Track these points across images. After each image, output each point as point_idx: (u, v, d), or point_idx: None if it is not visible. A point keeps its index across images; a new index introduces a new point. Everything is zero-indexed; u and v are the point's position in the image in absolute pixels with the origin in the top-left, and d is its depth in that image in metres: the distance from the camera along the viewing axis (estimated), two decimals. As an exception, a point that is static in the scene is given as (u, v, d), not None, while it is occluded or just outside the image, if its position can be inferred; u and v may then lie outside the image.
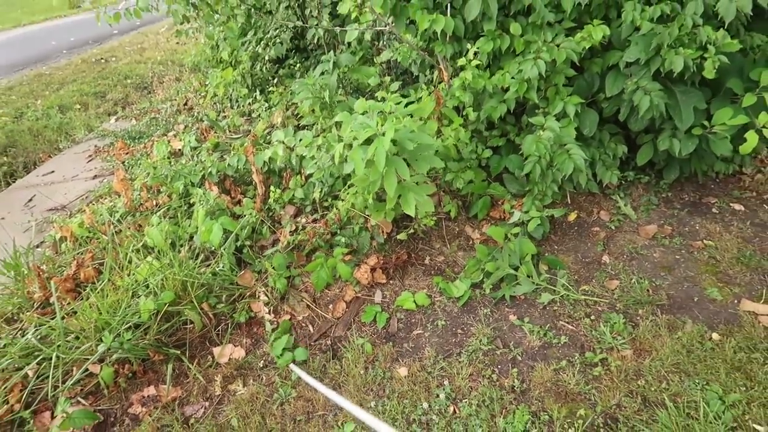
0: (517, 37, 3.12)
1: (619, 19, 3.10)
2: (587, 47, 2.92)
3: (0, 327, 2.90)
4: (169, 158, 4.67)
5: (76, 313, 2.78)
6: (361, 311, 2.93)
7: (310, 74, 4.38)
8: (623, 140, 3.48)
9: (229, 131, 4.93)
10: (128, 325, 2.64)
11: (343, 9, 3.00)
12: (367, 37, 3.35)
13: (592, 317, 2.76)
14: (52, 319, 2.87)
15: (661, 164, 3.55)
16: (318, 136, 3.36)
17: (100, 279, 3.12)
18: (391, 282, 3.11)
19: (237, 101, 5.57)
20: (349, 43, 4.37)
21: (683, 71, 2.80)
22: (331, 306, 2.98)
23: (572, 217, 3.38)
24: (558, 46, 2.94)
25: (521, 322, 2.77)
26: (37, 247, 3.96)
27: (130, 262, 3.11)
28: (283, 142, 3.15)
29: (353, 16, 2.97)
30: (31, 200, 4.82)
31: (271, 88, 4.66)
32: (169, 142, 4.91)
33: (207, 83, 6.09)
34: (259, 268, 3.16)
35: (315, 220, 3.48)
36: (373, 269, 3.06)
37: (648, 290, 2.88)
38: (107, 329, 2.60)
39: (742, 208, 3.45)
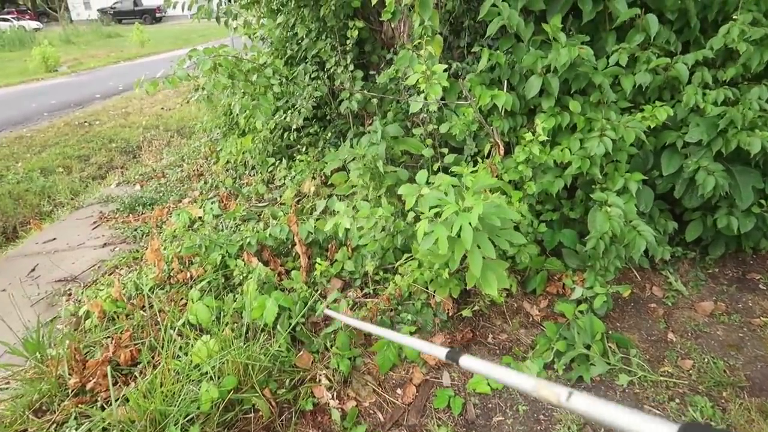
0: (577, 114, 3.17)
1: (673, 99, 3.21)
2: (651, 126, 2.98)
3: (28, 420, 2.56)
4: (190, 227, 4.47)
5: (122, 402, 2.49)
6: (432, 395, 2.74)
7: (344, 144, 4.35)
8: (671, 216, 3.51)
9: (254, 199, 4.79)
10: (189, 416, 2.36)
11: (411, 81, 2.99)
12: (433, 108, 3.35)
13: (677, 400, 2.65)
14: (92, 407, 2.56)
15: (707, 240, 3.57)
16: (373, 207, 3.26)
17: (140, 360, 2.84)
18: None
19: (253, 168, 5.46)
20: (385, 114, 4.39)
21: (743, 152, 2.88)
22: (399, 390, 2.77)
23: (627, 292, 3.32)
24: (624, 125, 2.98)
25: (605, 407, 2.62)
26: (50, 321, 3.62)
27: (170, 341, 2.85)
28: (348, 215, 3.03)
29: (422, 87, 2.96)
30: (34, 270, 4.48)
31: (300, 157, 4.58)
32: (186, 209, 4.72)
33: (219, 149, 5.98)
34: (316, 347, 2.95)
35: (366, 295, 3.32)
36: (439, 349, 2.89)
37: (725, 371, 2.81)
38: (165, 421, 2.32)
39: (787, 284, 3.48)
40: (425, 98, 3.04)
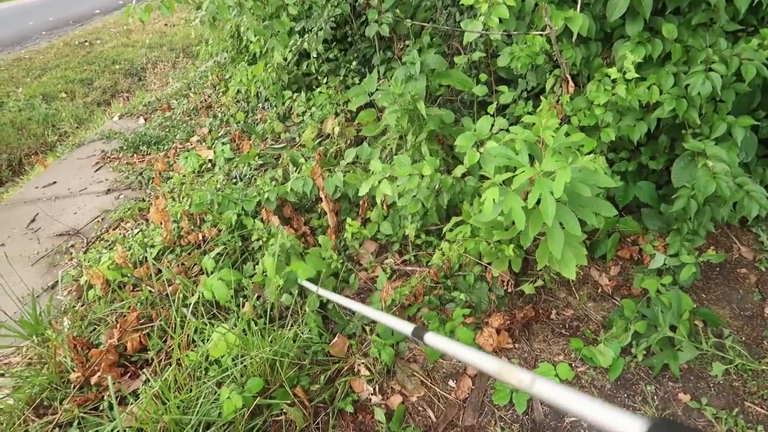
0: (672, 42, 2.51)
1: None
2: (770, 57, 2.32)
3: (27, 420, 2.23)
4: (199, 173, 3.98)
5: (130, 407, 2.12)
6: (491, 389, 2.34)
7: (371, 75, 3.72)
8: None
9: (269, 139, 4.23)
10: (208, 428, 1.99)
11: (467, 0, 2.33)
12: (496, 38, 2.69)
13: (785, 397, 2.22)
14: (97, 408, 2.21)
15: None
16: (414, 161, 2.72)
17: (151, 348, 2.46)
18: (517, 346, 2.51)
19: (267, 100, 4.85)
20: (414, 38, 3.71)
21: None
22: (451, 382, 2.37)
23: (718, 259, 2.81)
24: (738, 56, 2.32)
25: (699, 405, 2.21)
26: (51, 287, 3.25)
27: (184, 323, 2.45)
28: (386, 172, 2.50)
29: (482, 9, 2.30)
30: (34, 220, 4.07)
31: (320, 89, 3.96)
32: (195, 150, 4.20)
33: (228, 77, 5.33)
34: (352, 329, 2.53)
35: (406, 262, 2.85)
36: (497, 331, 2.46)
37: (841, 357, 2.35)
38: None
39: None
40: (484, 24, 2.38)
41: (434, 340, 1.39)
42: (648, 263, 2.72)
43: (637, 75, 2.35)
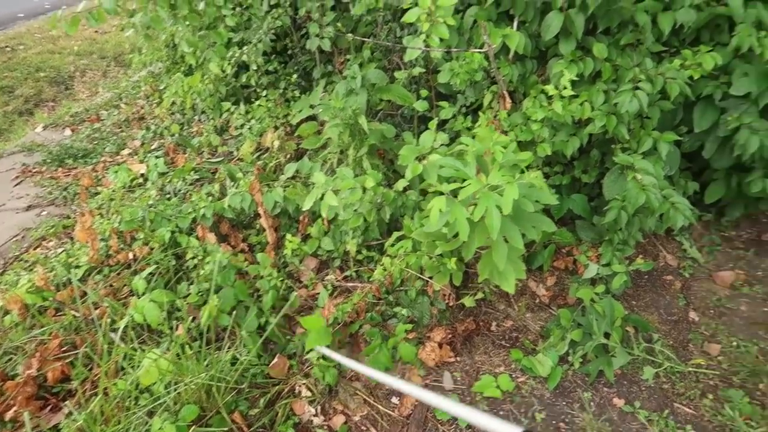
0: (602, 61, 2.62)
1: (712, 41, 2.69)
2: (692, 77, 2.46)
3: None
4: (130, 188, 3.80)
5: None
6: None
7: (315, 89, 3.68)
8: (691, 176, 3.09)
9: (206, 152, 4.10)
10: (138, 460, 1.87)
11: (409, 18, 2.34)
12: (437, 55, 2.70)
13: (710, 396, 2.34)
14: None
15: (725, 202, 3.19)
16: (356, 173, 2.70)
17: (74, 377, 2.29)
18: (459, 359, 2.52)
19: (204, 113, 4.70)
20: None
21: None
22: (394, 399, 2.35)
23: (646, 268, 2.94)
24: (663, 75, 2.45)
25: (632, 408, 2.30)
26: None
27: (112, 349, 2.30)
28: (330, 185, 2.45)
29: (423, 28, 2.31)
30: (-57, 241, 3.74)
31: (259, 102, 3.88)
32: (126, 164, 4.00)
33: (163, 88, 5.13)
34: (293, 350, 2.46)
35: (348, 278, 2.82)
36: (439, 345, 2.46)
37: (757, 356, 2.51)
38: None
39: (804, 247, 3.18)
40: (425, 41, 2.39)
41: None
42: (582, 273, 2.81)
43: (572, 92, 2.44)
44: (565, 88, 2.40)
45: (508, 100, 2.74)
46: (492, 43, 2.44)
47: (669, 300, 2.85)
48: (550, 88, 2.46)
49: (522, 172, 2.06)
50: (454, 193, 2.00)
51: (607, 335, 2.50)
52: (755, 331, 2.64)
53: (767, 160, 2.72)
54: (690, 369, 2.45)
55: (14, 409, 2.13)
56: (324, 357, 2.28)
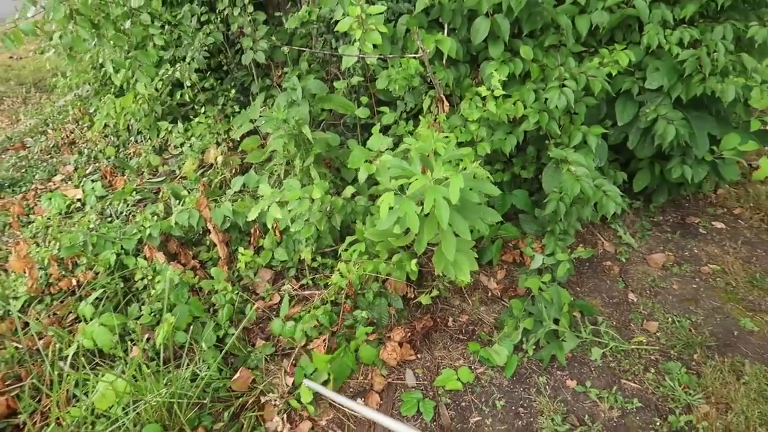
0: (529, 62, 2.79)
1: (625, 41, 2.92)
2: (611, 73, 2.67)
3: None
4: (66, 213, 3.64)
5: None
6: (398, 401, 2.37)
7: (254, 103, 3.68)
8: (619, 167, 3.32)
9: (146, 173, 3.99)
10: (100, 488, 1.80)
11: (342, 27, 2.41)
12: (372, 62, 2.78)
13: (652, 370, 2.51)
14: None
15: (651, 189, 3.44)
16: (303, 184, 2.73)
17: (22, 410, 2.18)
18: (419, 356, 2.58)
19: (140, 133, 4.58)
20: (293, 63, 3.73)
21: (702, 99, 2.67)
22: (359, 400, 2.37)
23: (588, 256, 3.11)
24: (585, 73, 2.64)
25: (584, 388, 2.43)
26: None
27: (62, 378, 2.20)
28: (276, 197, 2.46)
29: (356, 36, 2.40)
30: None
31: (198, 119, 3.83)
32: (60, 191, 3.84)
33: (93, 111, 4.95)
34: (254, 362, 2.44)
35: (303, 286, 2.83)
36: (400, 344, 2.51)
37: (690, 329, 2.71)
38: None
39: (723, 226, 3.47)
40: (359, 49, 2.47)
41: None
42: (529, 264, 2.95)
43: (503, 92, 2.58)
44: (496, 88, 2.54)
45: (445, 103, 2.85)
46: (426, 48, 2.55)
47: (609, 284, 3.04)
48: (483, 90, 2.59)
49: (464, 167, 2.15)
50: (402, 190, 2.07)
51: (556, 321, 2.64)
52: (687, 307, 2.86)
53: (684, 148, 2.97)
54: (633, 347, 2.62)
55: (-44, 451, 2.00)
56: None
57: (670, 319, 2.78)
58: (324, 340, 2.42)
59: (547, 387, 2.45)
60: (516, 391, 2.44)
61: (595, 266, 3.16)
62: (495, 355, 2.54)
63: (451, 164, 2.12)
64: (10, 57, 11.26)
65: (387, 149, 2.59)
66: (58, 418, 1.96)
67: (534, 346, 2.61)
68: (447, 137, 2.22)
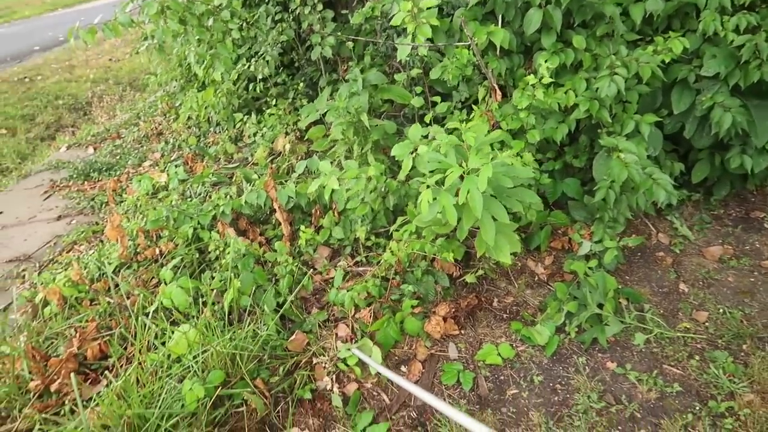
0: (582, 51, 2.85)
1: (682, 29, 2.91)
2: (664, 61, 2.68)
3: (-12, 431, 2.25)
4: (153, 194, 4.06)
5: (93, 405, 2.19)
6: (439, 371, 2.52)
7: (321, 95, 3.94)
8: (677, 157, 3.28)
9: (222, 160, 4.37)
10: (171, 419, 2.09)
11: (395, 21, 2.60)
12: (423, 52, 2.95)
13: (697, 357, 2.50)
14: (59, 414, 2.26)
15: (712, 181, 3.37)
16: (361, 165, 2.93)
17: (110, 354, 2.53)
18: (463, 332, 2.72)
19: (219, 124, 4.99)
20: (360, 58, 3.96)
21: (761, 85, 2.62)
22: (403, 367, 2.55)
23: (637, 244, 3.12)
24: (636, 60, 2.67)
25: (624, 370, 2.47)
26: (3, 310, 3.25)
27: (144, 330, 2.53)
28: (335, 175, 2.69)
29: (409, 30, 2.58)
30: (-19, 250, 4.03)
31: (270, 111, 4.15)
32: (148, 174, 4.28)
33: (178, 105, 5.44)
34: (308, 326, 2.68)
35: (358, 263, 3.03)
36: (444, 319, 2.66)
37: (742, 320, 2.67)
38: (146, 426, 2.05)
39: (791, 222, 3.34)
40: (413, 40, 2.65)
41: None
42: (577, 251, 3.00)
43: (552, 80, 2.66)
44: (543, 77, 2.62)
45: (498, 92, 2.97)
46: (473, 36, 2.68)
47: (660, 274, 3.03)
48: (531, 78, 2.69)
49: (498, 153, 2.27)
50: (440, 183, 2.22)
51: (600, 306, 2.69)
52: (741, 299, 2.80)
53: (744, 137, 2.92)
54: (678, 334, 2.62)
55: (58, 381, 2.36)
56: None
57: (721, 310, 2.75)
58: (370, 310, 2.61)
59: (587, 367, 2.51)
60: (555, 370, 2.52)
61: (647, 256, 3.16)
62: (537, 335, 2.64)
63: (487, 153, 2.24)
64: (110, 59, 12.34)
65: (423, 137, 2.73)
66: (140, 362, 2.27)
67: (576, 329, 2.67)
68: (489, 130, 2.34)
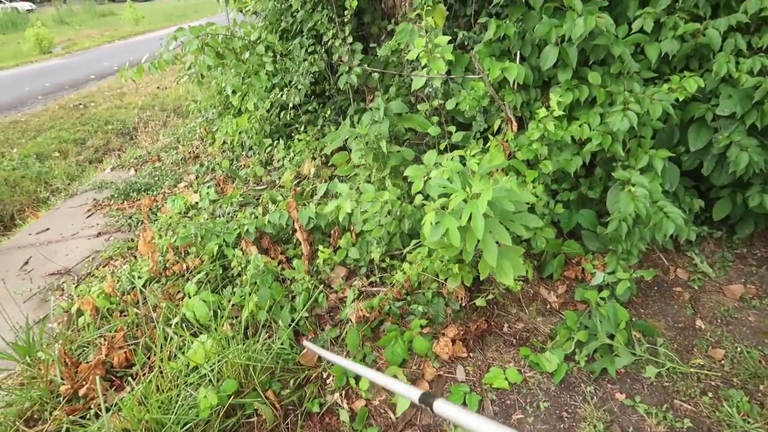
0: (597, 87, 2.93)
1: (701, 68, 2.96)
2: (678, 99, 2.73)
3: (19, 431, 2.40)
4: (185, 213, 4.27)
5: (115, 410, 2.32)
6: (446, 392, 2.56)
7: (344, 123, 4.11)
8: (697, 194, 3.28)
9: (251, 182, 4.57)
10: (186, 426, 2.19)
11: (411, 56, 2.76)
12: (437, 84, 3.09)
13: (710, 394, 2.46)
14: (85, 417, 2.40)
15: (735, 219, 3.34)
16: (378, 189, 3.05)
17: (135, 362, 2.67)
18: (471, 355, 2.76)
19: (251, 149, 5.23)
20: (386, 88, 4.13)
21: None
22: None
23: (651, 277, 3.11)
24: (650, 97, 2.73)
25: (633, 402, 2.45)
26: (42, 320, 3.45)
27: (166, 340, 2.67)
28: (351, 198, 2.82)
29: (423, 62, 2.73)
30: (27, 263, 4.30)
31: (299, 136, 4.35)
32: (182, 194, 4.51)
33: (215, 129, 5.73)
34: (321, 343, 2.76)
35: (373, 284, 3.12)
36: (453, 341, 2.71)
37: (760, 361, 2.62)
38: (162, 431, 2.15)
39: (820, 264, 3.26)
40: (428, 73, 2.79)
41: (444, 408, 1.29)
42: (590, 281, 3.01)
43: (563, 113, 2.75)
44: (554, 110, 2.71)
45: (514, 123, 3.06)
46: (486, 72, 2.80)
47: (677, 309, 3.00)
48: (542, 111, 2.78)
49: (498, 179, 2.35)
50: (445, 206, 2.31)
51: (611, 337, 2.69)
52: (761, 339, 2.75)
53: (763, 176, 2.91)
54: (692, 370, 2.59)
55: (86, 386, 2.51)
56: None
57: (738, 349, 2.70)
58: (362, 314, 2.70)
59: (594, 397, 2.50)
60: (562, 397, 2.52)
61: (663, 291, 3.14)
62: (545, 362, 2.65)
63: (487, 178, 2.33)
64: (157, 87, 13.03)
65: (435, 163, 2.83)
66: (161, 368, 2.40)
67: (586, 358, 2.67)
68: (483, 153, 2.43)
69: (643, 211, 2.61)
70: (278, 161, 4.55)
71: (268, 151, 4.64)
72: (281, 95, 4.50)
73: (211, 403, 2.19)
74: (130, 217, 4.68)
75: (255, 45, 4.02)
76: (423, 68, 2.84)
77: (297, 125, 4.61)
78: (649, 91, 2.78)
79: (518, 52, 3.08)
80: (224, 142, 5.34)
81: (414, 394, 1.46)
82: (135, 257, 3.91)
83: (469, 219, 2.18)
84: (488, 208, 2.17)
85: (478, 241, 2.23)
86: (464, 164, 2.58)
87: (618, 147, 2.86)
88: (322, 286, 3.15)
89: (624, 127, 2.73)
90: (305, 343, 2.66)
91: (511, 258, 2.42)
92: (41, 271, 4.12)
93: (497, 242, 2.24)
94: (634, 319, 2.90)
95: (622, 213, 2.64)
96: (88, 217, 5.04)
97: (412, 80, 4.00)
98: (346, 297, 3.04)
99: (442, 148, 3.06)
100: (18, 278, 4.08)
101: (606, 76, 2.98)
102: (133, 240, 4.29)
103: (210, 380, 2.33)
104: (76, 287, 3.70)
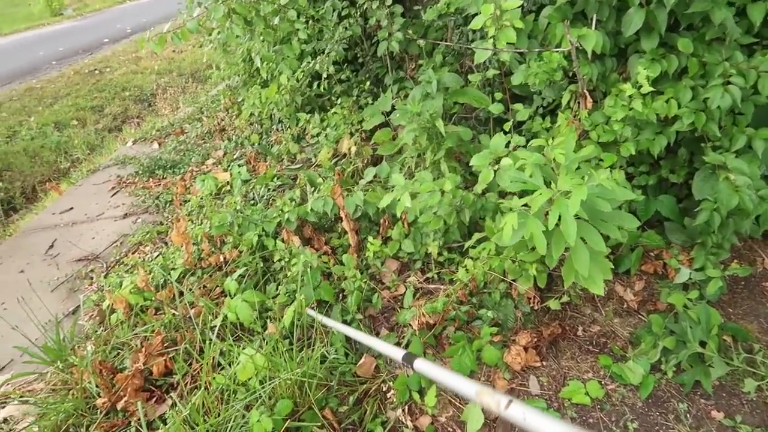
0: (688, 57, 2.53)
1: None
2: (791, 69, 2.33)
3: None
4: (216, 194, 4.01)
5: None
6: (520, 407, 2.30)
7: (384, 95, 3.76)
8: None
9: (285, 159, 4.26)
10: (239, 451, 1.97)
11: (476, 24, 2.38)
12: (505, 57, 2.71)
13: (821, 413, 2.18)
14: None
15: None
16: (434, 176, 2.74)
17: (176, 371, 2.45)
18: (544, 364, 2.49)
19: (281, 122, 4.89)
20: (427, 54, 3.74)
21: None
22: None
23: (744, 273, 2.78)
24: (756, 69, 2.34)
25: (733, 423, 2.18)
26: (72, 312, 3.26)
27: (208, 346, 2.43)
28: (408, 189, 2.52)
29: (489, 32, 2.35)
30: (52, 246, 4.10)
31: (334, 109, 4.00)
32: (212, 173, 4.23)
33: (241, 100, 5.39)
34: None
35: (428, 280, 2.85)
36: (525, 349, 2.44)
37: None
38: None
39: None
40: (494, 44, 2.42)
41: (423, 366, 1.46)
42: (673, 277, 2.70)
43: (652, 89, 2.37)
44: (641, 86, 2.34)
45: (588, 99, 2.69)
46: (576, 42, 2.42)
47: (769, 307, 2.69)
48: (628, 87, 2.40)
49: (593, 172, 2.01)
50: (526, 205, 1.99)
51: (702, 344, 2.39)
52: None
53: None
54: (797, 381, 2.30)
55: (125, 399, 2.30)
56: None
57: None
58: (424, 320, 2.44)
59: (689, 415, 2.23)
60: (651, 415, 2.26)
61: (752, 287, 2.81)
62: (629, 373, 2.37)
63: (579, 171, 1.99)
64: (173, 50, 12.59)
65: (518, 147, 2.50)
66: (206, 383, 2.17)
67: (674, 368, 2.39)
68: (577, 142, 2.08)
69: (749, 204, 2.27)
70: (312, 137, 4.22)
71: (300, 125, 4.30)
72: (313, 64, 4.13)
73: (265, 428, 1.96)
74: (158, 197, 4.43)
75: (286, 9, 3.63)
76: (489, 38, 2.45)
77: (331, 96, 4.25)
78: (754, 61, 2.38)
79: (593, 17, 2.67)
80: (251, 114, 5.00)
81: (398, 354, 1.64)
82: (166, 243, 3.67)
83: (557, 221, 1.87)
84: (581, 209, 1.85)
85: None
86: (542, 153, 2.24)
87: (713, 126, 2.48)
88: (373, 282, 2.88)
89: (725, 105, 2.35)
90: (308, 311, 2.46)
91: (599, 261, 2.11)
92: (67, 256, 3.92)
93: (604, 251, 1.93)
94: (723, 321, 2.59)
95: (725, 204, 2.30)
96: (112, 195, 4.80)
97: (459, 47, 3.62)
98: (400, 295, 2.78)
99: (506, 129, 2.70)
100: (44, 263, 3.89)
101: (697, 43, 2.57)
102: (162, 223, 4.05)
103: (262, 399, 2.10)
104: (105, 276, 3.49)
